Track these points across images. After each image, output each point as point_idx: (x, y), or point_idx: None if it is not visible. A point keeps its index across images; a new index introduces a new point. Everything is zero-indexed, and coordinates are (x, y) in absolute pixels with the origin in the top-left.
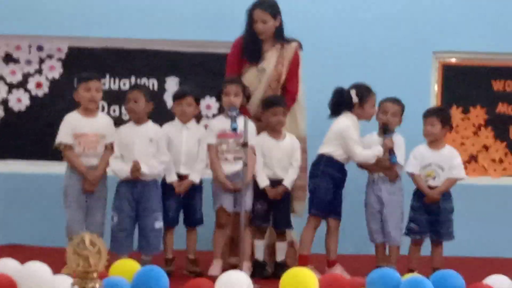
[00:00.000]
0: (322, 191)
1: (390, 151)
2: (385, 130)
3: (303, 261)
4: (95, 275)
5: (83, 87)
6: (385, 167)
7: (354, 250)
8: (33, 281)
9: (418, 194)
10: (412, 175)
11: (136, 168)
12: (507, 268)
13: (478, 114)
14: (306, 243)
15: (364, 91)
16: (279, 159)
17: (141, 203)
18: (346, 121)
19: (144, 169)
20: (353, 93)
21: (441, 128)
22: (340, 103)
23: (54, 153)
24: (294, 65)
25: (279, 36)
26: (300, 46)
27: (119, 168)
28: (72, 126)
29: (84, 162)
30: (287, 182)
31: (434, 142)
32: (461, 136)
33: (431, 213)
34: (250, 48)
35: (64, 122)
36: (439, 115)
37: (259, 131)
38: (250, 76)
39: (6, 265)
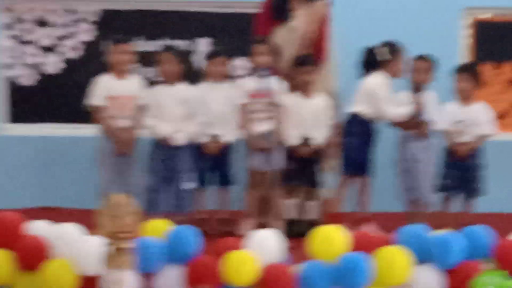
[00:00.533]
0: (353, 150)
1: (421, 108)
2: (416, 88)
3: (332, 219)
4: (130, 235)
5: (115, 50)
6: (416, 124)
7: (386, 207)
8: (66, 242)
9: (450, 151)
10: (443, 132)
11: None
12: None
13: (510, 69)
14: (335, 200)
15: (394, 48)
16: (310, 117)
17: (174, 164)
18: (377, 79)
19: (180, 139)
20: (384, 50)
21: (473, 84)
22: (371, 61)
23: (87, 116)
24: (324, 23)
25: None
26: (330, 3)
27: (157, 130)
28: (104, 88)
29: (117, 124)
30: (318, 141)
31: (464, 99)
32: (493, 92)
33: (462, 169)
34: (280, 6)
35: (96, 84)
36: (471, 71)
37: (291, 89)
38: (280, 35)
39: (39, 227)
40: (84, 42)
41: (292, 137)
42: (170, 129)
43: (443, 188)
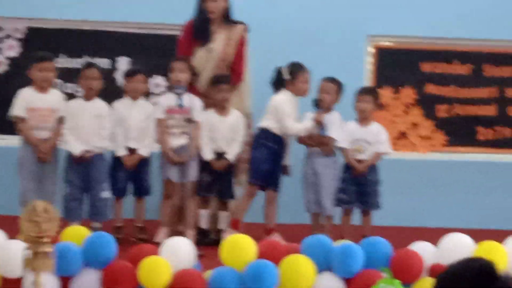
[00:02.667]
0: (259, 161)
1: (320, 124)
2: (316, 105)
3: (234, 224)
4: (47, 240)
5: (37, 67)
6: (320, 141)
7: (291, 220)
8: None
9: (347, 167)
10: (341, 149)
11: (85, 154)
12: (431, 236)
13: (408, 94)
14: (240, 208)
15: (295, 68)
16: (224, 133)
17: (90, 174)
18: (281, 96)
19: (92, 148)
20: (285, 70)
21: (372, 106)
22: (277, 80)
23: (10, 127)
24: (241, 46)
25: (227, 18)
26: (246, 28)
27: (69, 148)
28: (25, 101)
29: (37, 135)
30: (230, 156)
31: (363, 119)
32: (392, 114)
33: (359, 184)
34: (200, 28)
35: (18, 97)
36: (372, 94)
37: (207, 108)
38: (199, 56)
39: None
40: (9, 58)
41: (208, 152)
42: (81, 147)
43: (343, 202)
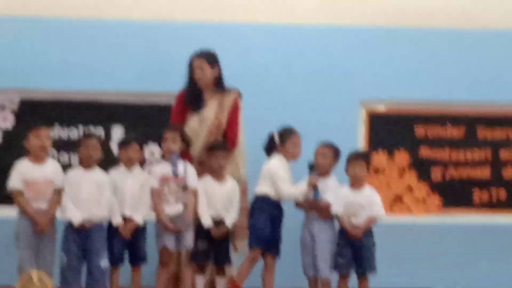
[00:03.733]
0: (260, 225)
1: (314, 187)
2: (310, 168)
3: (233, 286)
4: None
5: (33, 135)
6: (316, 206)
7: (290, 284)
8: None
9: (343, 231)
10: (336, 215)
11: (84, 224)
12: None
13: (402, 157)
14: (241, 272)
15: (285, 132)
16: (222, 200)
17: (87, 243)
18: (274, 161)
19: (90, 217)
20: (275, 134)
21: (366, 170)
22: (270, 145)
23: (6, 198)
24: (234, 112)
25: (219, 85)
26: (239, 95)
27: (70, 216)
28: (22, 173)
29: (34, 206)
30: (228, 222)
31: (356, 184)
32: (387, 177)
33: (355, 248)
34: (192, 96)
35: (15, 169)
36: (364, 158)
37: (202, 174)
38: (193, 124)
39: None
40: (3, 130)
41: (207, 219)
42: (79, 215)
43: (339, 267)
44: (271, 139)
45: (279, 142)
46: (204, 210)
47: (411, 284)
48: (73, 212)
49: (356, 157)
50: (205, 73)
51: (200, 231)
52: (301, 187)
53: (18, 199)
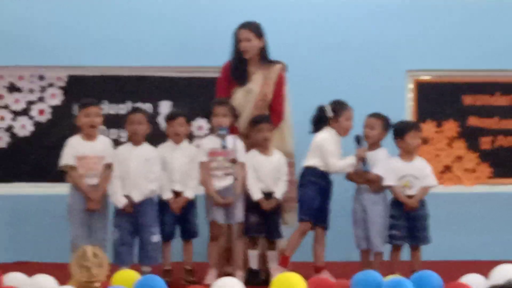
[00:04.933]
0: (309, 198)
1: (363, 160)
2: (357, 140)
3: (283, 260)
4: (97, 284)
5: (83, 113)
6: (367, 178)
7: (341, 257)
8: None
9: (396, 203)
10: (389, 187)
11: (130, 203)
12: (481, 269)
13: (450, 127)
14: (290, 245)
15: (338, 106)
16: (269, 173)
17: (139, 219)
18: (324, 134)
19: (135, 197)
20: (328, 108)
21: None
22: (320, 118)
23: (57, 175)
24: (279, 85)
25: (264, 58)
26: (284, 67)
27: (114, 200)
28: (74, 149)
29: (86, 182)
30: (278, 194)
31: (408, 155)
32: (436, 148)
33: (409, 219)
34: (237, 69)
35: (67, 146)
36: (418, 129)
37: (248, 148)
38: (238, 97)
39: (14, 279)
40: (52, 106)
41: (256, 192)
42: (124, 200)
43: (393, 238)
44: (321, 112)
45: (332, 116)
46: (253, 183)
47: (462, 254)
48: (117, 195)
49: (409, 127)
50: (252, 45)
51: (250, 205)
52: (350, 160)
53: (71, 174)
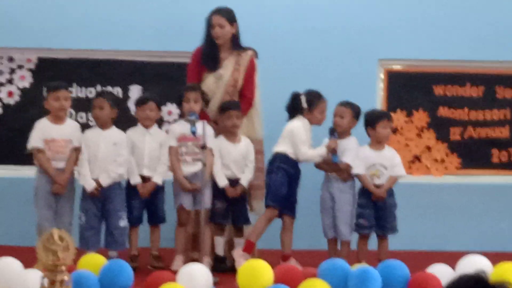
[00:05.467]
0: (277, 184)
1: (332, 151)
2: (331, 132)
3: (248, 246)
4: (63, 268)
5: (52, 96)
6: (336, 167)
7: (308, 246)
8: (5, 275)
9: (364, 192)
10: (358, 176)
11: (97, 187)
12: (448, 260)
13: (420, 117)
14: (256, 230)
15: (313, 97)
16: (236, 160)
17: (106, 203)
18: (297, 122)
19: (103, 180)
20: (302, 98)
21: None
22: (294, 106)
23: (25, 158)
24: (250, 71)
25: (235, 44)
26: (255, 54)
27: (84, 183)
28: (42, 132)
29: (54, 165)
30: (244, 182)
31: (378, 144)
32: (405, 138)
33: (377, 209)
34: (209, 55)
35: (35, 128)
36: (389, 118)
37: (217, 134)
38: (208, 82)
39: None
40: (21, 88)
41: (222, 178)
42: (93, 184)
43: (360, 227)
44: (296, 100)
45: (307, 106)
46: (219, 170)
47: (429, 244)
48: (87, 178)
49: (381, 116)
50: (225, 31)
51: (217, 191)
52: (320, 150)
53: (39, 157)
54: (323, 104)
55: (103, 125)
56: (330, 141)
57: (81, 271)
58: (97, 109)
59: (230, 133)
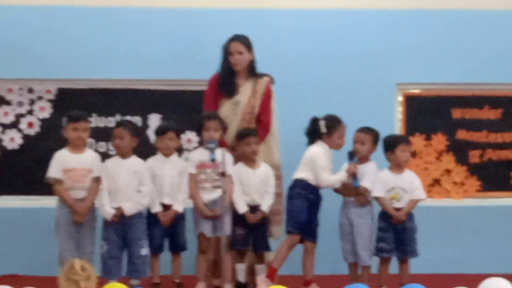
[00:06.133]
0: (297, 210)
1: (353, 175)
2: (350, 156)
3: (270, 273)
4: None
5: (71, 127)
6: (355, 191)
7: (329, 271)
8: None
9: (384, 215)
10: (378, 199)
11: (119, 213)
12: (468, 282)
13: (439, 140)
14: (278, 256)
15: (332, 122)
16: (256, 186)
17: (128, 232)
18: (317, 148)
19: (127, 210)
20: (322, 123)
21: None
22: (314, 131)
23: (46, 188)
24: (267, 98)
25: (252, 70)
26: (272, 80)
27: (104, 211)
28: (61, 162)
29: (73, 195)
30: (265, 207)
31: (398, 167)
32: (424, 161)
33: (397, 232)
34: (226, 81)
35: (54, 159)
36: (408, 142)
37: (235, 161)
38: (225, 109)
39: None
40: (41, 119)
41: (242, 205)
42: (110, 210)
43: (381, 251)
44: (315, 125)
45: (326, 131)
46: (239, 197)
47: (450, 268)
48: (106, 207)
49: (400, 141)
50: (243, 58)
51: (237, 218)
52: (340, 175)
53: (57, 188)
54: (342, 129)
55: (123, 155)
56: (349, 165)
57: None
58: (117, 139)
59: (249, 160)
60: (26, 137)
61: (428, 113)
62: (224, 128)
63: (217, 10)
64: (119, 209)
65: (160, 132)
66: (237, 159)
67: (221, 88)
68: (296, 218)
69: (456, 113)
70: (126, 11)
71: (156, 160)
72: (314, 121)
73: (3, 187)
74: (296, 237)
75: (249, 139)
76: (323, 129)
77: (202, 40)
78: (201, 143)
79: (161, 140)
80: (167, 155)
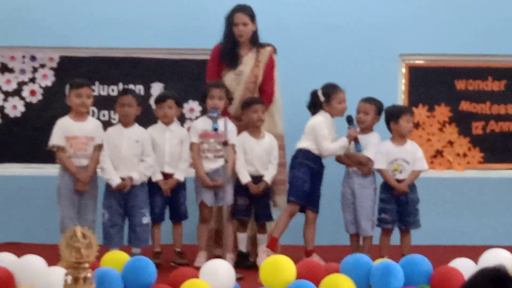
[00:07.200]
0: (300, 180)
1: (354, 140)
2: (348, 121)
3: (271, 242)
4: (87, 265)
5: (74, 93)
6: (358, 161)
7: (331, 241)
8: (29, 273)
9: (387, 187)
10: (379, 171)
11: (129, 183)
12: (470, 254)
13: (442, 112)
14: (278, 226)
15: (328, 89)
16: (260, 156)
17: (129, 200)
18: (318, 117)
19: (135, 178)
20: (319, 92)
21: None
22: (314, 103)
23: (48, 156)
24: (270, 67)
25: (255, 40)
26: (274, 50)
27: (108, 178)
28: (64, 130)
29: (75, 163)
30: (268, 178)
31: (400, 139)
32: (427, 132)
33: (399, 203)
34: (229, 52)
35: (57, 126)
36: (411, 113)
37: (239, 131)
38: (228, 79)
39: (3, 259)
40: (43, 87)
41: (245, 175)
42: (117, 177)
43: (383, 222)
44: (314, 97)
45: (324, 100)
46: (242, 167)
47: (452, 239)
48: (112, 173)
49: (403, 111)
50: (248, 28)
51: (239, 188)
52: (342, 142)
53: (60, 155)
54: (340, 95)
55: (127, 123)
56: (349, 130)
57: (104, 268)
58: (126, 106)
59: (254, 129)
60: (28, 105)
61: (431, 84)
62: (229, 98)
63: None
64: (128, 179)
65: (159, 100)
66: (241, 129)
67: (224, 59)
68: (298, 188)
69: (460, 84)
70: None
71: (156, 129)
72: (313, 93)
73: (5, 155)
74: (295, 206)
75: (255, 106)
76: (321, 97)
77: (205, 9)
78: (204, 112)
79: (160, 108)
80: (166, 123)
